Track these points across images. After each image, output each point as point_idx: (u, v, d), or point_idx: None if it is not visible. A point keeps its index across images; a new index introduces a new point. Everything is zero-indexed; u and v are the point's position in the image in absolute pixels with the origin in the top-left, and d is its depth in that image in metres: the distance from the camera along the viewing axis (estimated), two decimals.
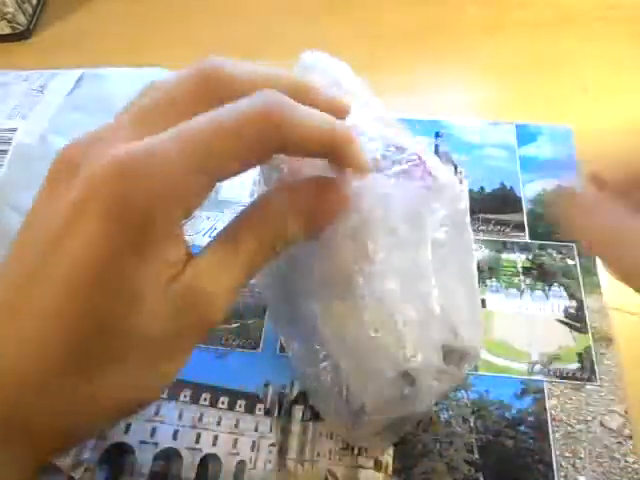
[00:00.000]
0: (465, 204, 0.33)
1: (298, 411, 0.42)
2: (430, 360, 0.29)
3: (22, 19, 0.70)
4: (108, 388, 0.24)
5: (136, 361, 0.24)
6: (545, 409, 0.41)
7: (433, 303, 0.29)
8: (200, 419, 0.42)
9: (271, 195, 0.27)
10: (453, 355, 0.31)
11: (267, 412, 0.42)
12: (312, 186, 0.27)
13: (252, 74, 0.25)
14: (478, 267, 0.46)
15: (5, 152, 0.39)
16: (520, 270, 0.48)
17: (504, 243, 0.50)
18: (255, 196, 0.32)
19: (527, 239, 0.50)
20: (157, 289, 0.23)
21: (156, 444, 0.41)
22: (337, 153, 0.26)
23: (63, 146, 0.25)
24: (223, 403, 0.42)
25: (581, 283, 0.47)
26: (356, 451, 0.40)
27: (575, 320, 0.45)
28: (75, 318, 0.22)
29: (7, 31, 0.70)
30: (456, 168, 0.55)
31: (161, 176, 0.22)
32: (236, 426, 0.41)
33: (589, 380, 0.42)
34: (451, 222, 0.31)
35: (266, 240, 0.26)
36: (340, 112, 0.27)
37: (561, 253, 0.49)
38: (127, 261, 0.22)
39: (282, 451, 0.40)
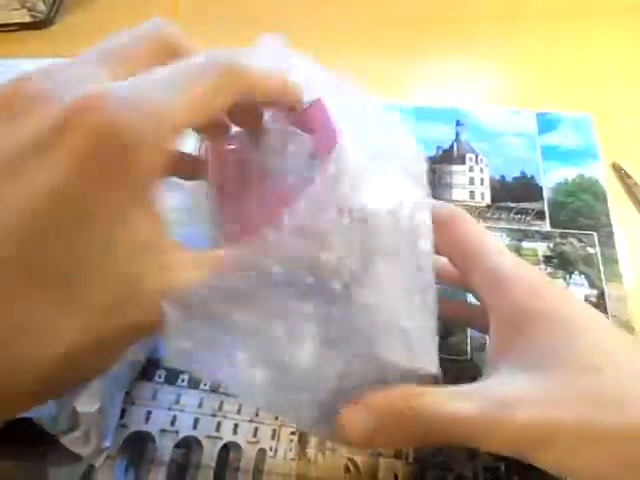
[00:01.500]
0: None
1: None
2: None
3: (42, 7, 0.70)
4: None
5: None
6: None
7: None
8: (220, 407, 0.42)
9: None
10: (409, 375, 0.29)
11: None
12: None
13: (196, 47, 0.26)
14: None
15: None
16: (541, 259, 0.48)
17: (525, 232, 0.49)
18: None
19: (548, 227, 0.49)
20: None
21: (176, 432, 0.41)
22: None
23: (6, 82, 0.22)
24: None
25: (602, 271, 0.46)
26: None
27: (596, 308, 0.45)
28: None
29: (27, 19, 0.71)
30: (477, 156, 0.54)
31: (150, 110, 0.21)
32: (256, 414, 0.42)
33: None
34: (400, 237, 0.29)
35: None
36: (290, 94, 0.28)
37: (582, 241, 0.48)
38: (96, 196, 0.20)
39: (302, 440, 0.40)
